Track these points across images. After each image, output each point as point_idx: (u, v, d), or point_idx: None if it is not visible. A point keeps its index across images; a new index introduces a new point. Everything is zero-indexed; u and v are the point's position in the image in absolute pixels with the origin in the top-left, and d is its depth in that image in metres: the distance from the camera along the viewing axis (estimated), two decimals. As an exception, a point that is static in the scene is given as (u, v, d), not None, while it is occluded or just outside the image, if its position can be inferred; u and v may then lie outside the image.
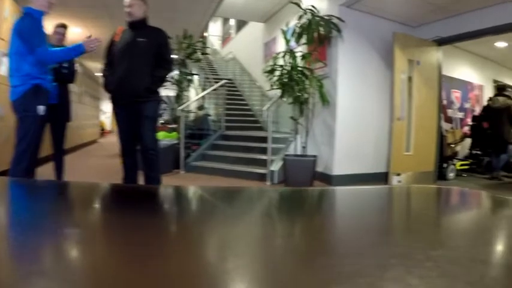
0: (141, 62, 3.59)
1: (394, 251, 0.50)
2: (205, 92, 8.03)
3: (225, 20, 15.17)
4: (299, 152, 5.97)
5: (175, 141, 6.53)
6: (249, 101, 10.33)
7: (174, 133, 6.82)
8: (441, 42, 6.28)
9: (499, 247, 0.55)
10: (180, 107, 6.78)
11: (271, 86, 5.98)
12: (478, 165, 7.89)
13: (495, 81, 10.30)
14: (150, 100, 3.65)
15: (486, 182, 7.01)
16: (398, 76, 5.80)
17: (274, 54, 6.30)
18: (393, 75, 5.85)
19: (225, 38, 15.42)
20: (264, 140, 6.05)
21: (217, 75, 11.64)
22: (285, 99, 6.00)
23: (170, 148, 6.34)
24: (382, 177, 6.01)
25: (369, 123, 6.07)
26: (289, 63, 5.79)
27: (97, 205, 0.81)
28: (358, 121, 5.95)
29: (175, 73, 7.50)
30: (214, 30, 16.81)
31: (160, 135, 6.44)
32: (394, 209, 0.86)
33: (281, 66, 5.85)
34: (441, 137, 6.88)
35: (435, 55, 6.38)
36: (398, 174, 5.81)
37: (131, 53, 3.59)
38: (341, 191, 1.02)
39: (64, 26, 4.61)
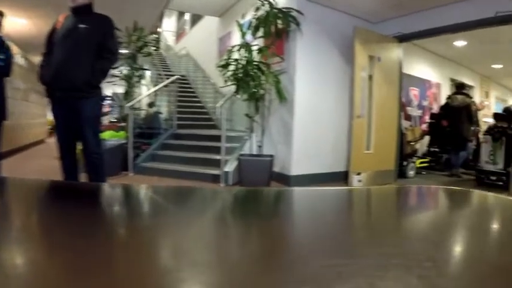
0: (81, 51, 3.17)
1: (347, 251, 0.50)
2: (156, 88, 7.54)
3: (180, 15, 14.65)
4: (255, 152, 5.64)
5: (124, 141, 6.04)
6: (203, 98, 9.89)
7: (122, 132, 6.33)
8: (402, 38, 6.12)
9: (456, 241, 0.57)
10: (129, 104, 6.29)
11: (226, 81, 5.62)
12: (437, 162, 7.86)
13: (452, 80, 10.43)
14: (90, 96, 3.22)
15: (446, 179, 6.96)
16: (358, 72, 5.58)
17: (229, 48, 5.93)
18: (353, 71, 5.62)
19: (179, 34, 14.87)
20: (217, 138, 5.68)
21: (169, 71, 11.09)
22: (239, 95, 5.65)
23: (118, 148, 5.86)
24: (342, 177, 5.79)
25: (328, 120, 5.82)
26: (245, 57, 5.45)
27: (31, 204, 0.75)
28: (317, 119, 5.68)
29: (124, 68, 7.00)
30: (168, 26, 16.24)
31: (107, 134, 5.96)
32: (347, 211, 0.84)
33: (236, 60, 5.51)
34: (401, 135, 6.73)
35: (396, 52, 6.21)
36: (359, 174, 5.59)
37: (71, 40, 3.16)
38: (298, 192, 1.00)
39: (1, 14, 4.09)
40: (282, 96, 5.38)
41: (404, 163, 6.75)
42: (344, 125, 5.87)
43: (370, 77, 5.80)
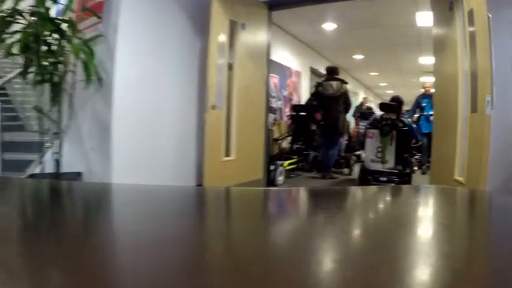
0: None
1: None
2: None
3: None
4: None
5: None
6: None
7: None
8: (273, 4, 4.76)
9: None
10: None
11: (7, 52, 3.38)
12: (304, 161, 6.63)
13: (312, 69, 9.79)
14: None
15: (324, 182, 5.90)
16: (214, 42, 3.85)
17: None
18: (208, 40, 3.87)
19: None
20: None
21: None
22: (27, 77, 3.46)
23: None
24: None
25: (170, 115, 3.91)
26: (36, 12, 3.28)
27: None
28: (151, 112, 3.75)
29: None
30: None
31: None
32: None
33: (20, 13, 3.30)
34: (266, 132, 5.27)
35: (264, 21, 4.67)
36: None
37: None
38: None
39: None
40: (91, 75, 3.33)
41: (272, 167, 5.30)
42: (193, 121, 4.08)
43: (232, 52, 4.15)
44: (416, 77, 11.97)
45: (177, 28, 3.97)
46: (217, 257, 0.47)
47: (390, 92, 15.03)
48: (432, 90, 6.25)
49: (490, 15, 2.55)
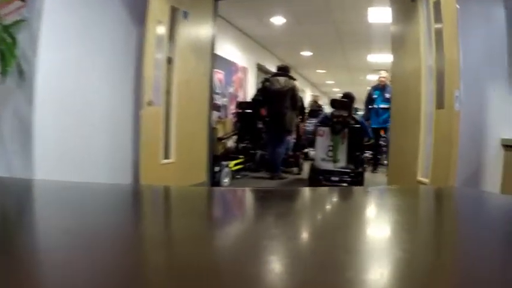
0: None
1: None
2: None
3: None
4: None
5: None
6: None
7: None
8: None
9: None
10: None
11: None
12: (251, 161, 6.33)
13: (259, 66, 9.53)
14: None
15: (270, 183, 5.63)
16: (152, 29, 3.43)
17: None
18: (144, 28, 3.44)
19: None
20: None
21: None
22: None
23: None
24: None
25: (101, 111, 3.43)
26: None
27: None
28: (80, 109, 3.25)
29: None
30: None
31: None
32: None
33: None
34: (210, 131, 4.92)
35: (210, 11, 4.31)
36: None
37: None
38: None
39: None
40: (8, 65, 2.82)
41: (217, 168, 4.95)
42: (129, 119, 3.64)
43: (172, 42, 3.75)
44: (364, 75, 12.04)
45: (112, 14, 3.49)
46: (146, 261, 0.43)
47: (337, 90, 15.14)
48: (388, 83, 6.12)
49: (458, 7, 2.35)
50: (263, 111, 5.89)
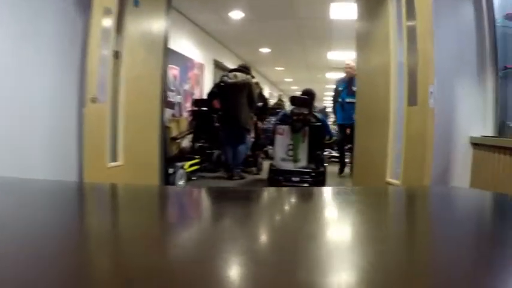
0: None
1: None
2: None
3: None
4: None
5: None
6: None
7: None
8: None
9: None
10: None
11: None
12: (208, 161, 6.06)
13: (216, 62, 9.23)
14: None
15: (228, 184, 5.40)
16: (98, 19, 3.08)
17: None
18: (89, 17, 3.09)
19: None
20: None
21: None
22: None
23: None
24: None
25: (40, 110, 3.03)
26: None
27: None
28: (19, 106, 2.86)
29: None
30: None
31: None
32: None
33: None
34: (162, 130, 4.62)
35: (163, 1, 4.01)
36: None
37: None
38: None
39: None
40: None
41: (171, 170, 4.66)
42: (72, 118, 3.26)
43: (121, 34, 3.42)
44: (323, 72, 11.99)
45: (55, 2, 3.12)
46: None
47: (295, 88, 15.08)
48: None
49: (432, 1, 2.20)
50: (216, 103, 5.65)
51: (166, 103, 6.12)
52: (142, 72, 3.70)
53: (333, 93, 6.49)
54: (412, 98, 2.62)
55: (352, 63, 5.58)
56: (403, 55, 2.76)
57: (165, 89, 4.19)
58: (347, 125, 5.74)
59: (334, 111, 6.34)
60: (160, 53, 4.00)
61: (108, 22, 3.21)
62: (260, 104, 6.29)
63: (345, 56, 7.47)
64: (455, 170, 2.83)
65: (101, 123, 3.18)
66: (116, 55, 3.42)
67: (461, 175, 2.79)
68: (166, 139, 4.98)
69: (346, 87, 5.91)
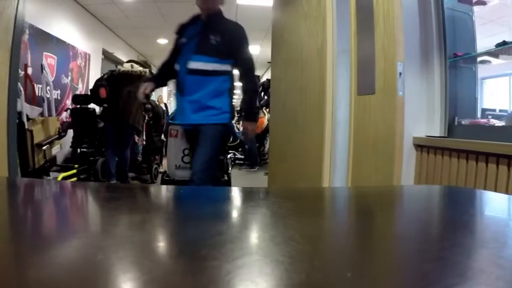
0: None
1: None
2: None
3: None
4: None
5: None
6: None
7: None
8: None
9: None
10: None
11: None
12: (91, 170, 5.00)
13: (105, 52, 8.06)
14: None
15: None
16: None
17: None
18: None
19: None
20: None
21: None
22: None
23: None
24: None
25: None
26: None
27: None
28: None
29: None
30: None
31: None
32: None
33: None
34: (22, 134, 3.49)
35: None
36: None
37: None
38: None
39: None
40: None
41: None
42: None
43: None
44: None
45: None
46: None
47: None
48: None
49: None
50: (102, 91, 4.61)
51: (34, 99, 4.86)
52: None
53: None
54: (366, 86, 2.01)
55: None
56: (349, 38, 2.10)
57: (16, 77, 3.00)
58: None
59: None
60: (8, 28, 2.83)
61: None
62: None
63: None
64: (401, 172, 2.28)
65: None
66: None
67: (406, 177, 2.28)
68: (27, 146, 3.79)
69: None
